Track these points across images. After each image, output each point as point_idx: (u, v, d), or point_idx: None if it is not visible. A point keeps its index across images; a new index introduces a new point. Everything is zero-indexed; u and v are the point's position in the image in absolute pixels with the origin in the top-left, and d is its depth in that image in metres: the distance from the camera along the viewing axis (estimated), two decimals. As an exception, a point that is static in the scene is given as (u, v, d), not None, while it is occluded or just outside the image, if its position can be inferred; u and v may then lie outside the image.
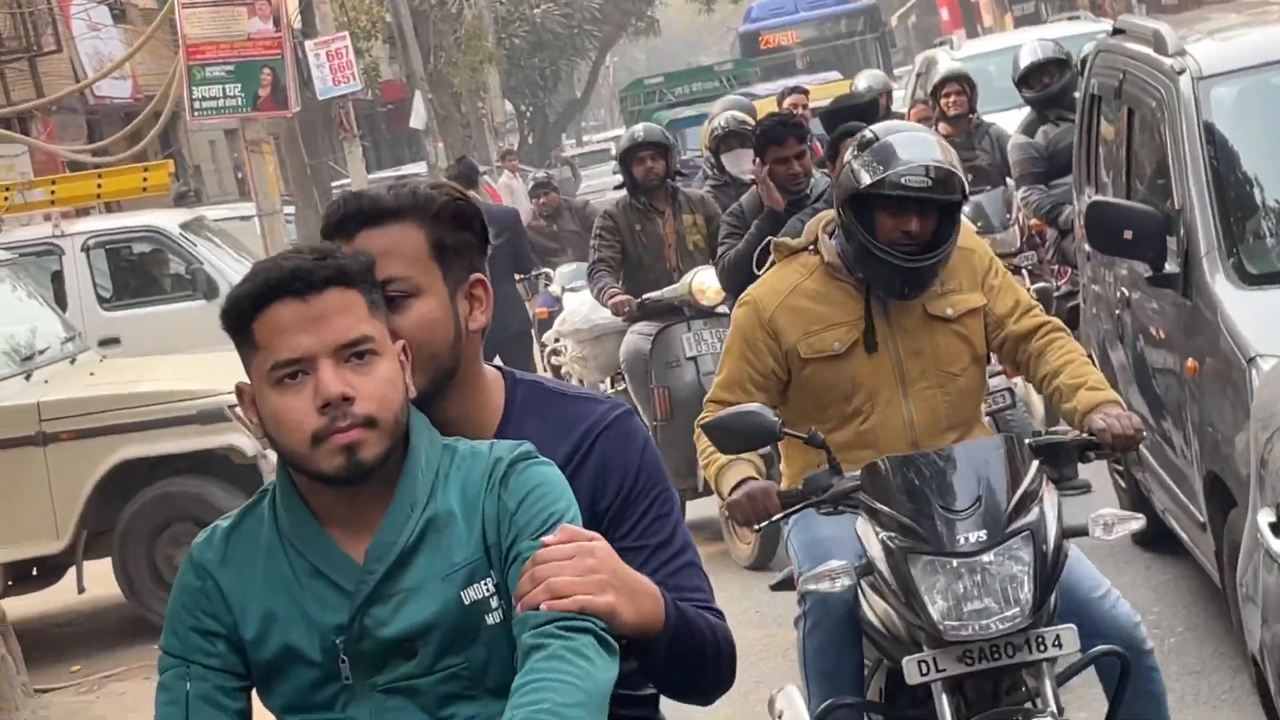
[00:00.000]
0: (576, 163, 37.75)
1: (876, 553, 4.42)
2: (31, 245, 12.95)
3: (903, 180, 4.68)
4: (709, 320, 9.04)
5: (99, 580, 10.04)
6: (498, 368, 3.09)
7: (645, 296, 9.10)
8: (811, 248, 4.99)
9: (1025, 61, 10.76)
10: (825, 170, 7.99)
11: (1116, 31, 8.29)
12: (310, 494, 2.75)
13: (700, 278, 8.99)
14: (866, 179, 4.72)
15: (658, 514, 2.96)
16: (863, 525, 4.54)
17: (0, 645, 8.55)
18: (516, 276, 12.42)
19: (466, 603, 2.71)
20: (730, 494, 4.73)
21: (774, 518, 4.70)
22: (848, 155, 4.95)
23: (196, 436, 9.77)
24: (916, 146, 4.85)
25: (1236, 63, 6.86)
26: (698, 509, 9.19)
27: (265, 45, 19.16)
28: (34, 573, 9.92)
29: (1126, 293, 7.14)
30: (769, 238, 7.33)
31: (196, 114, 19.60)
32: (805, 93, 12.89)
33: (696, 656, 2.81)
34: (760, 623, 7.62)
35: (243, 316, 2.70)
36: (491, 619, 2.72)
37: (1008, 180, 10.40)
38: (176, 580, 2.83)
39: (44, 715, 8.60)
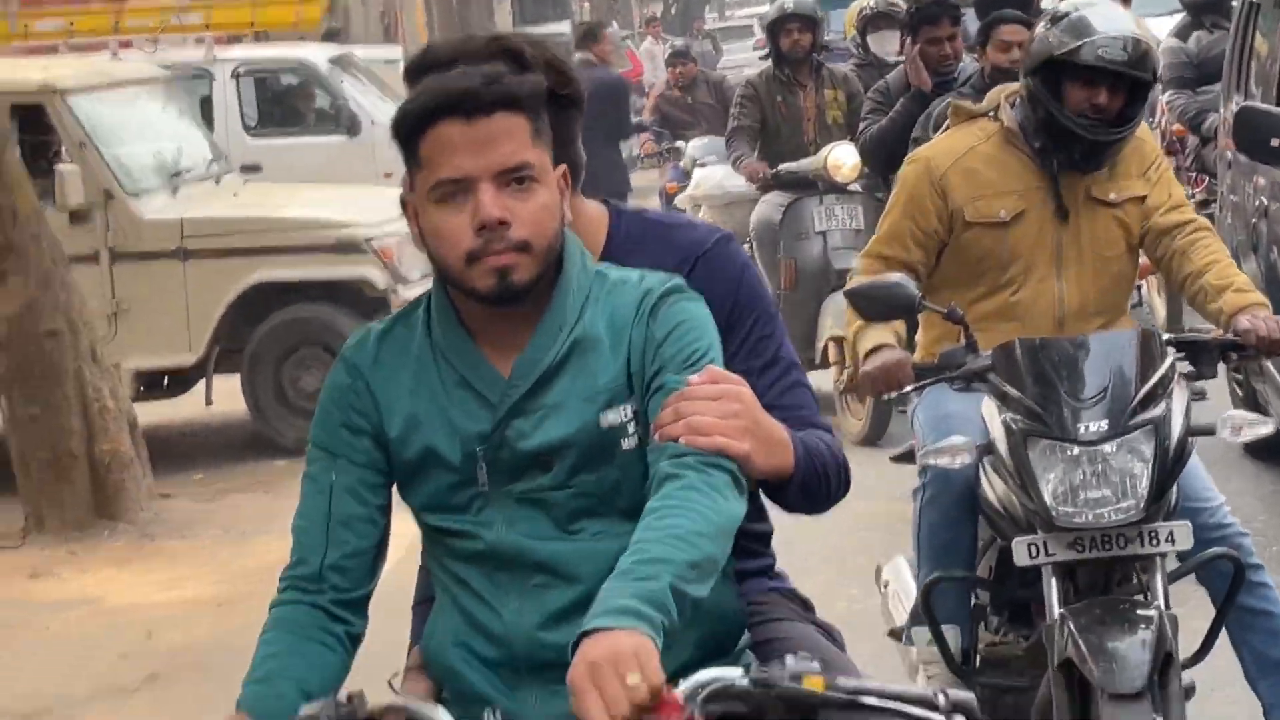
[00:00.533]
0: (718, 36, 37.51)
1: (998, 433, 4.44)
2: (184, 68, 12.89)
3: (1099, 51, 4.65)
4: (841, 196, 9.08)
5: (226, 396, 10.25)
6: (603, 200, 3.14)
7: (780, 167, 9.16)
8: (992, 114, 4.97)
9: None
10: (975, 55, 7.92)
11: None
12: (463, 308, 2.82)
13: (837, 153, 9.01)
14: (1062, 45, 4.69)
15: (761, 334, 3.02)
16: (988, 405, 4.55)
17: (129, 448, 8.86)
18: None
19: (604, 425, 2.77)
20: (865, 360, 4.77)
21: (905, 390, 4.76)
22: (1039, 27, 4.92)
23: (332, 265, 9.95)
24: (1114, 20, 4.78)
25: None
26: (813, 381, 9.23)
27: None
28: (165, 383, 10.14)
29: (1265, 203, 7.17)
30: (914, 117, 7.48)
31: None
32: None
33: (819, 486, 2.91)
34: (869, 495, 7.48)
35: (410, 131, 2.76)
36: (627, 443, 2.78)
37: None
38: (328, 377, 2.92)
39: (165, 517, 8.84)
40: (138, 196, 10.04)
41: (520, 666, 2.77)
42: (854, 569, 6.33)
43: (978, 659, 4.83)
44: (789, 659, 2.62)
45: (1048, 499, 4.29)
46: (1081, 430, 4.35)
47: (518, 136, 2.73)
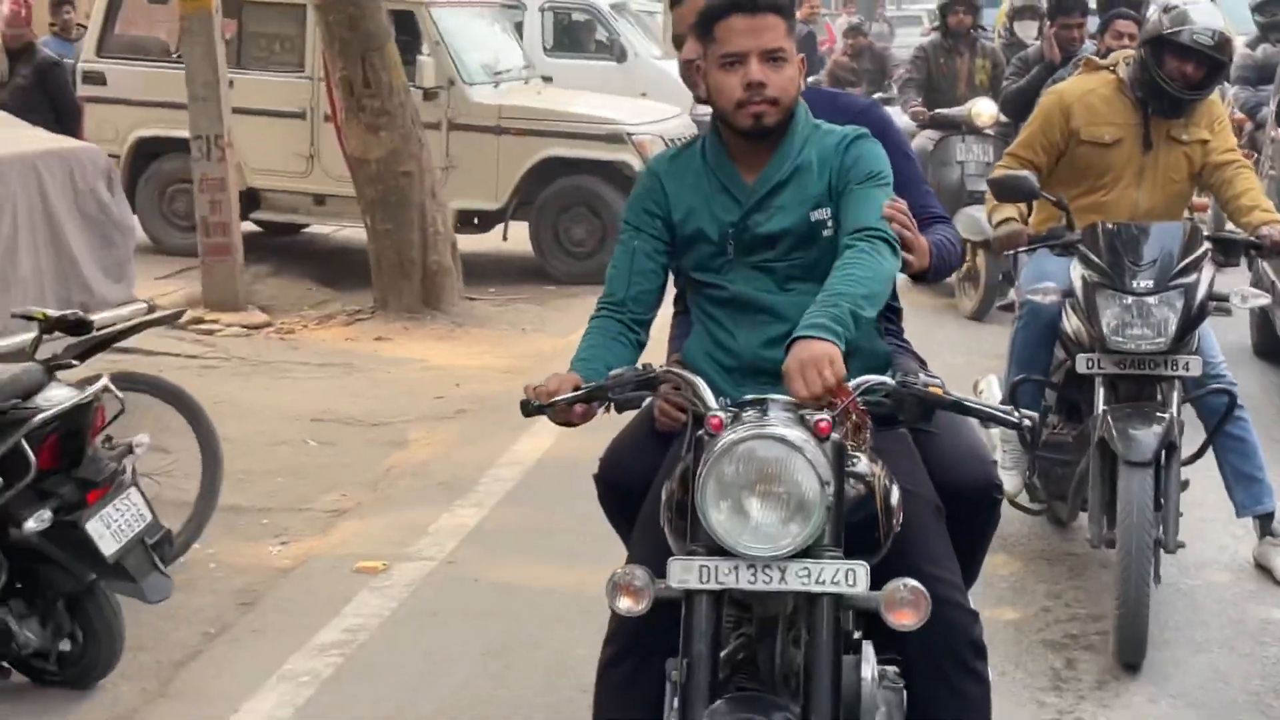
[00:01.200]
0: (895, 21, 36.84)
1: (1078, 283, 4.71)
2: (499, 6, 12.64)
3: (1194, 36, 4.79)
4: (979, 137, 9.15)
5: (517, 235, 10.70)
6: None
7: (936, 111, 9.28)
8: (1112, 68, 5.11)
9: None
10: (1094, 39, 7.90)
11: None
12: (728, 140, 3.10)
13: (979, 105, 9.11)
14: (1168, 27, 4.83)
15: (903, 162, 3.32)
16: (1074, 265, 4.78)
17: (450, 261, 9.35)
18: None
19: (812, 220, 3.05)
20: (996, 227, 5.06)
21: (1021, 249, 5.02)
22: (1152, 11, 5.12)
23: (601, 150, 10.27)
24: (1207, 16, 4.92)
25: None
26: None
27: None
28: (475, 221, 10.54)
29: None
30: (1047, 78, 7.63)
31: None
32: None
33: (942, 268, 3.36)
34: (968, 353, 7.87)
35: (710, 18, 3.05)
36: (826, 233, 3.04)
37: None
38: (637, 182, 3.25)
39: (470, 312, 9.35)
40: (471, 85, 10.41)
41: (745, 371, 3.01)
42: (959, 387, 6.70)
43: (1041, 442, 4.99)
44: (921, 375, 3.02)
45: (1105, 329, 4.56)
46: (1134, 285, 4.58)
47: (778, 30, 3.02)
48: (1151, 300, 4.56)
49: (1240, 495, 4.96)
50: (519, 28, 13.80)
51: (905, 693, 2.98)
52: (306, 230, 11.78)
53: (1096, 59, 5.37)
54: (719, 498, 2.60)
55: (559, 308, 9.63)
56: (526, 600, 4.85)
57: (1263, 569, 5.06)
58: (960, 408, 2.89)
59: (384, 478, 6.29)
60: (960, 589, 3.05)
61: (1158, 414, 4.51)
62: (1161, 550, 4.46)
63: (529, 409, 2.88)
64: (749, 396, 2.77)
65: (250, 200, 10.43)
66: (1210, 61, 4.84)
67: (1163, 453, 4.46)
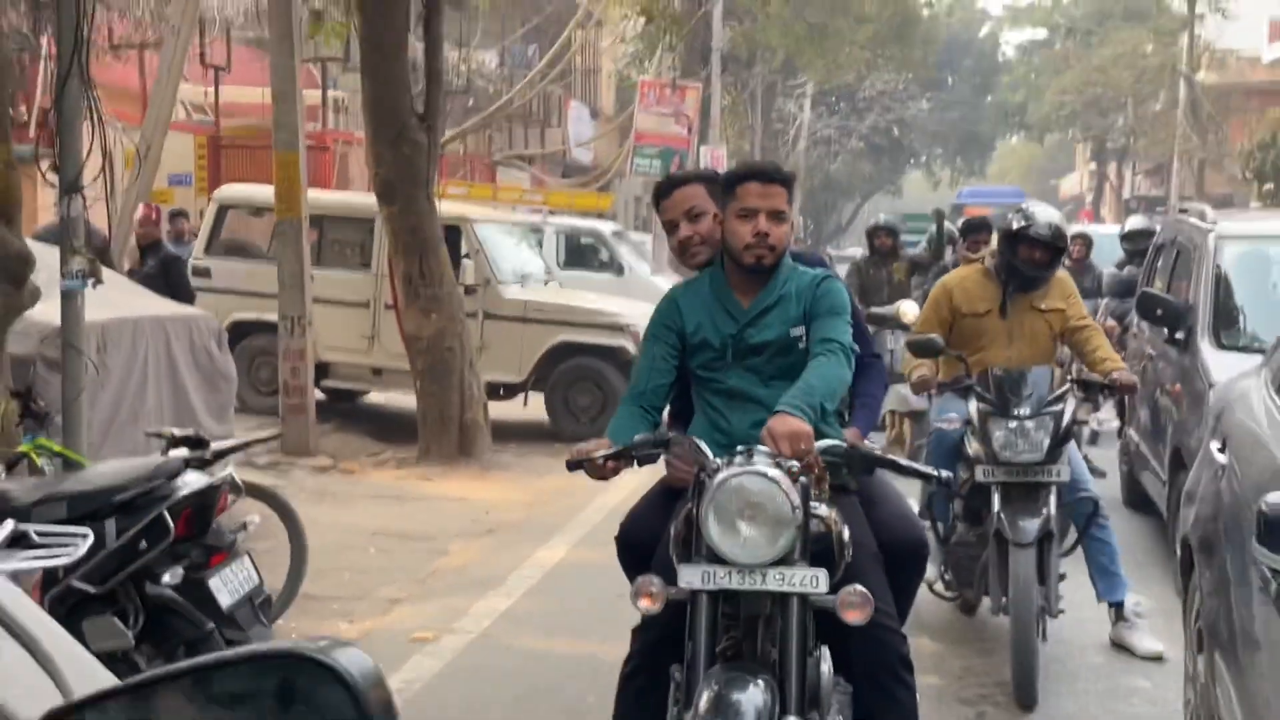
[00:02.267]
0: (834, 259, 38.22)
1: (974, 414, 4.89)
2: (530, 225, 13.26)
3: (1036, 230, 5.02)
4: (903, 331, 8.69)
5: (534, 403, 10.82)
6: None
7: (870, 310, 9.05)
8: (981, 261, 5.37)
9: (1129, 227, 10.97)
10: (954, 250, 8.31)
11: (1181, 211, 8.64)
12: (731, 272, 3.31)
13: (905, 305, 8.80)
14: (1020, 224, 5.08)
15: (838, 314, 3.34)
16: (971, 401, 4.95)
17: (482, 420, 9.52)
18: None
19: (791, 335, 3.26)
20: (913, 374, 5.24)
21: (932, 389, 5.23)
22: (1010, 217, 5.23)
23: (604, 336, 10.46)
24: (1046, 215, 5.16)
25: (1243, 231, 7.17)
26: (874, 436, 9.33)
27: (680, 141, 20.35)
28: (501, 392, 10.66)
29: (1152, 351, 7.47)
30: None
31: (634, 171, 20.66)
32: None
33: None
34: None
35: (733, 181, 3.28)
36: (801, 345, 3.24)
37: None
38: (659, 304, 3.40)
39: (497, 461, 9.49)
40: (502, 284, 10.70)
41: (736, 446, 3.06)
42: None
43: (952, 542, 5.18)
44: (865, 445, 3.25)
45: (996, 447, 4.75)
46: (1016, 413, 4.78)
47: (781, 197, 3.25)
48: (1030, 424, 4.73)
49: (1100, 585, 5.12)
50: (540, 245, 14.31)
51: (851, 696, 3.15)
52: (366, 399, 11.96)
53: (969, 255, 5.70)
54: (717, 519, 2.80)
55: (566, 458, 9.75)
56: (548, 663, 5.00)
57: (1118, 646, 5.20)
58: (894, 465, 3.16)
59: (431, 575, 6.45)
60: (894, 617, 3.21)
61: (1039, 509, 4.70)
62: (1046, 616, 4.64)
63: (572, 465, 3.05)
64: (739, 448, 2.96)
65: (321, 371, 10.62)
66: (1051, 248, 5.04)
67: (1042, 539, 4.63)
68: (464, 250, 10.63)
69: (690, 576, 2.84)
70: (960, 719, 4.51)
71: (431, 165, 9.21)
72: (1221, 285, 6.59)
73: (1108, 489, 7.27)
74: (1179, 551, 3.80)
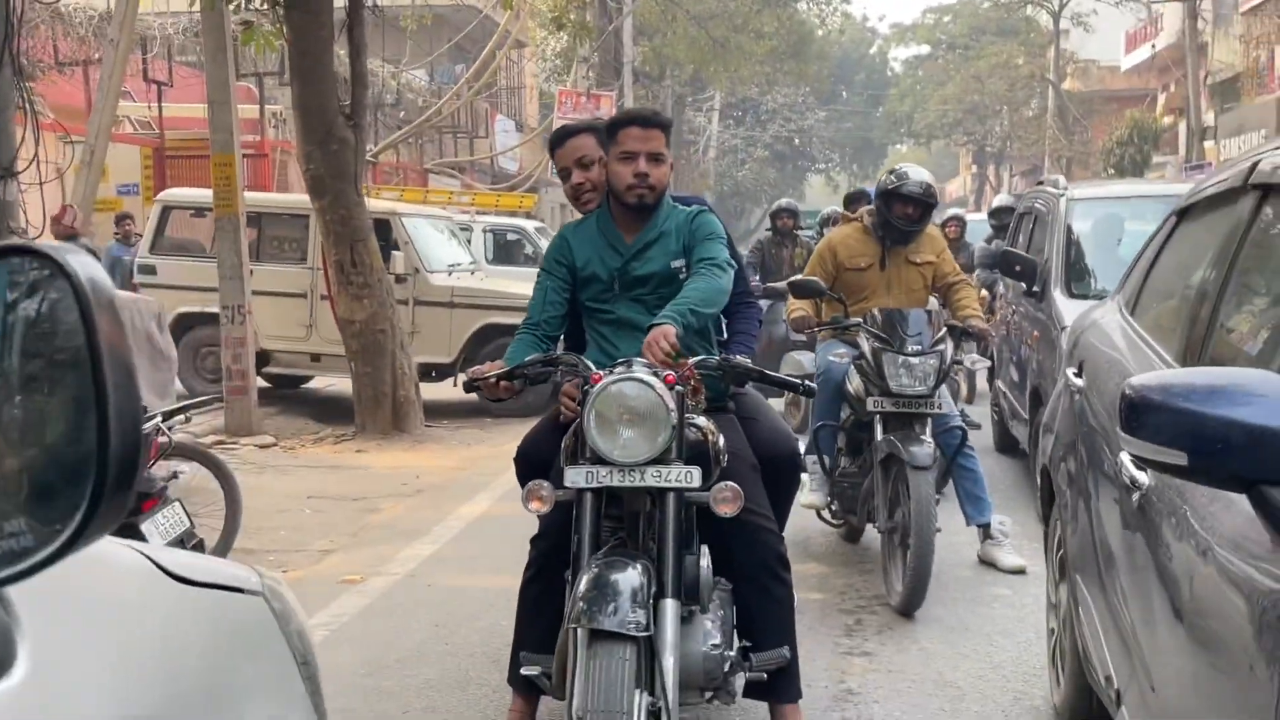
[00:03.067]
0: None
1: (867, 349, 4.78)
2: (454, 221, 12.47)
3: (906, 188, 5.03)
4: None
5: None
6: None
7: (767, 285, 9.39)
8: (860, 219, 5.30)
9: (995, 204, 11.14)
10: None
11: (1038, 183, 8.70)
12: (616, 212, 3.32)
13: (794, 279, 9.10)
14: (894, 183, 5.07)
15: (712, 239, 3.33)
16: (861, 338, 4.83)
17: (414, 397, 9.31)
18: None
19: (672, 267, 3.28)
20: (792, 315, 5.17)
21: (811, 328, 5.13)
22: (882, 173, 5.30)
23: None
24: (918, 174, 5.14)
25: (1091, 194, 7.28)
26: (772, 402, 9.04)
27: None
28: (433, 374, 10.39)
29: (1014, 306, 7.55)
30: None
31: (554, 176, 20.50)
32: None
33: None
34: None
35: (615, 126, 3.27)
36: (682, 276, 3.25)
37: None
38: (551, 241, 3.42)
39: (428, 434, 9.29)
40: (431, 272, 10.44)
41: None
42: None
43: (837, 473, 5.17)
44: (739, 358, 3.14)
45: (888, 380, 4.69)
46: (907, 349, 4.71)
47: (660, 139, 3.24)
48: (916, 360, 4.70)
49: (969, 509, 5.16)
50: (469, 242, 13.97)
51: (731, 594, 3.16)
52: (307, 385, 11.72)
53: (848, 214, 5.58)
54: (598, 423, 2.78)
55: (495, 430, 9.62)
56: (467, 595, 4.96)
57: (985, 563, 5.27)
58: (764, 377, 3.11)
59: (361, 529, 6.36)
60: (770, 519, 3.20)
61: (924, 437, 4.71)
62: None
63: (468, 386, 3.05)
64: (619, 360, 2.97)
65: (263, 359, 10.40)
66: (922, 204, 5.02)
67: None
68: (395, 239, 10.41)
69: (575, 476, 2.83)
70: (840, 626, 4.55)
71: (359, 161, 9.06)
72: (1072, 242, 6.66)
73: (981, 439, 7.26)
74: (1039, 481, 3.76)
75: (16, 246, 0.88)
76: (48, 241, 1.00)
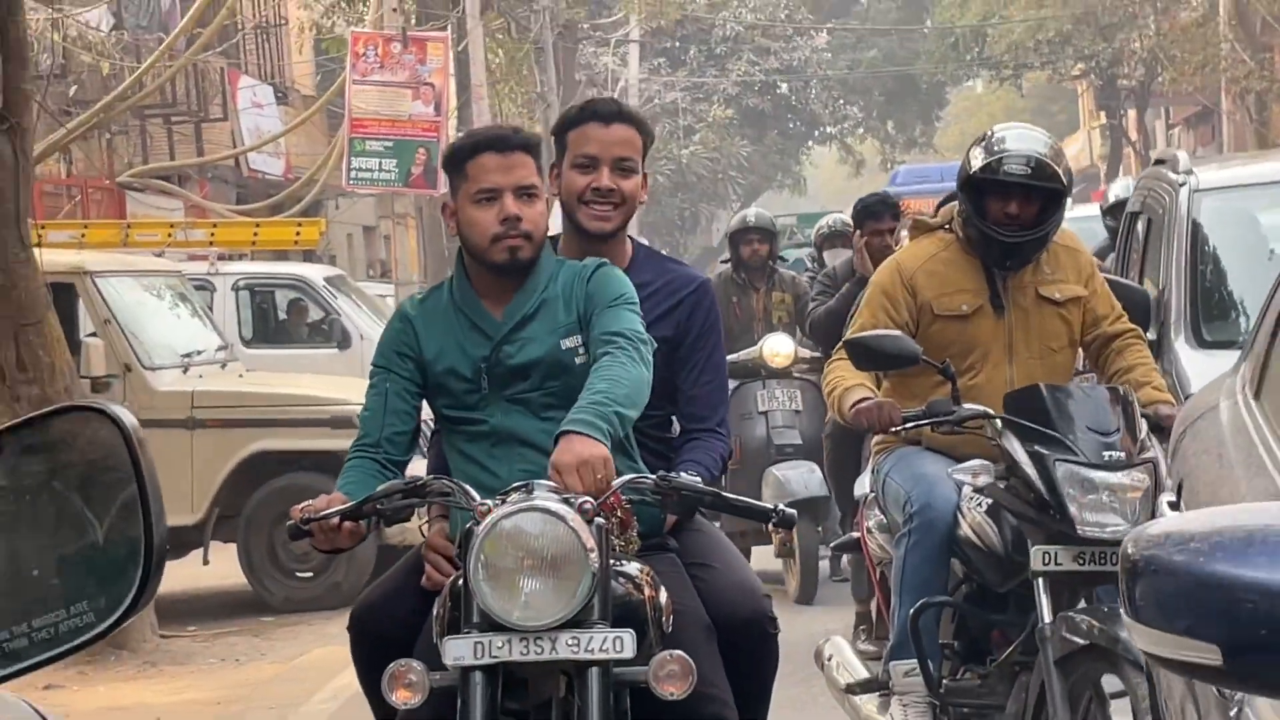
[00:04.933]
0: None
1: (1022, 457, 4.49)
2: (188, 278, 12.83)
3: (1005, 168, 4.75)
4: (782, 381, 9.19)
5: (222, 559, 10.28)
6: (629, 236, 4.11)
7: (728, 358, 9.10)
8: (948, 226, 5.05)
9: (1113, 197, 11.12)
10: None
11: (1157, 163, 8.76)
12: (475, 277, 3.75)
13: (771, 343, 9.15)
14: (977, 165, 4.81)
15: (714, 346, 4.05)
16: (1009, 437, 4.58)
17: None
18: None
19: (563, 348, 3.66)
20: (856, 404, 4.79)
21: (895, 428, 4.78)
22: (971, 150, 5.03)
23: (327, 438, 9.84)
24: (1023, 140, 4.92)
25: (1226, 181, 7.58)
26: (760, 556, 9.28)
27: (424, 127, 19.25)
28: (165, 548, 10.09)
29: None
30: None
31: (352, 183, 19.55)
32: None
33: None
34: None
35: (459, 157, 3.74)
36: (579, 360, 3.64)
37: None
38: (387, 326, 3.96)
39: (166, 650, 8.80)
40: (153, 370, 10.11)
41: None
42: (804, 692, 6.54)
43: (944, 688, 4.88)
44: (684, 476, 3.52)
45: (1073, 512, 4.36)
46: (1106, 458, 4.47)
47: (529, 167, 3.70)
48: (1118, 477, 4.46)
49: None
50: (209, 308, 13.85)
51: None
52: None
53: (925, 218, 5.39)
54: (489, 574, 3.21)
55: (280, 637, 9.45)
56: None
57: None
58: (721, 500, 3.64)
59: None
60: (727, 698, 3.58)
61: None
62: None
63: (295, 531, 3.44)
64: (515, 484, 3.38)
65: None
66: (1036, 192, 4.79)
67: None
68: (84, 322, 10.32)
69: (459, 650, 3.24)
70: None
71: (22, 190, 8.70)
72: (1202, 258, 6.86)
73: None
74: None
75: (84, 405, 1.91)
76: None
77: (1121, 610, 1.78)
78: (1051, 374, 4.98)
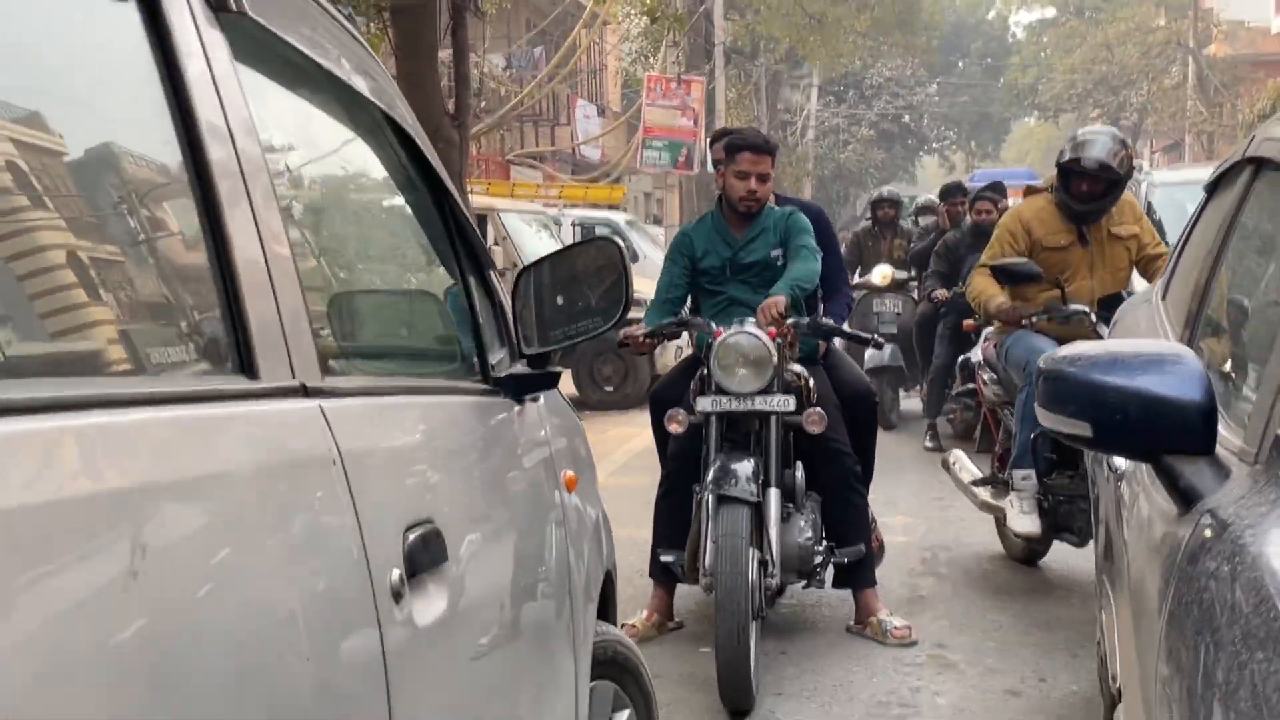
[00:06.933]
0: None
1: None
2: (546, 216, 13.47)
3: (1083, 163, 4.80)
4: (886, 294, 9.52)
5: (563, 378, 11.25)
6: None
7: (858, 282, 9.67)
8: (1050, 188, 5.02)
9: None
10: (966, 212, 8.38)
11: None
12: (727, 213, 4.33)
13: (877, 271, 9.55)
14: (1066, 157, 4.84)
15: (834, 242, 4.62)
16: (1100, 328, 4.55)
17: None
18: None
19: (771, 255, 4.28)
20: (999, 306, 4.92)
21: (1031, 317, 4.88)
22: (1065, 145, 4.93)
23: (631, 311, 10.41)
24: (1096, 147, 4.82)
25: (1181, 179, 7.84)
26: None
27: (686, 133, 21.11)
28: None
29: None
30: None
31: (643, 165, 21.36)
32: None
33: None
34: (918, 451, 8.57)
35: (734, 148, 4.23)
36: (779, 263, 4.26)
37: None
38: (674, 238, 4.44)
39: None
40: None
41: None
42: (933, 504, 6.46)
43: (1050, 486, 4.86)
44: (824, 320, 4.17)
45: None
46: None
47: (768, 163, 4.23)
48: None
49: None
50: (558, 235, 14.40)
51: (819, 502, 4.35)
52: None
53: (1035, 185, 5.25)
54: (720, 364, 3.96)
55: (598, 420, 10.19)
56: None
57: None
58: (840, 332, 4.25)
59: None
60: (847, 445, 4.30)
61: None
62: None
63: (621, 344, 4.19)
64: (735, 318, 4.08)
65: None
66: (1101, 179, 4.80)
67: None
68: (491, 237, 11.40)
69: (704, 404, 4.01)
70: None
71: (463, 160, 9.90)
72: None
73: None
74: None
75: (600, 239, 2.22)
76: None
77: (1035, 402, 1.80)
78: (1118, 285, 4.97)
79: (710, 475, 3.97)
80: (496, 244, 11.43)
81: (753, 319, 4.06)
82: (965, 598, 5.19)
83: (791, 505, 4.23)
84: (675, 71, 22.73)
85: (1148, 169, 8.46)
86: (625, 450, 8.49)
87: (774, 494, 4.06)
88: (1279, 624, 1.19)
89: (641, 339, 4.19)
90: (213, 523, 1.07)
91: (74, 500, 0.90)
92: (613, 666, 2.56)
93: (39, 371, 1.01)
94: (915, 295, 9.27)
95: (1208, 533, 1.55)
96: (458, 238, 2.10)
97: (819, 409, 4.08)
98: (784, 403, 4.00)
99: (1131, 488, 2.32)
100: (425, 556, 1.47)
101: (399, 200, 2.03)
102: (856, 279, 9.79)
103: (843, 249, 10.64)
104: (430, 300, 2.18)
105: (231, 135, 1.25)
